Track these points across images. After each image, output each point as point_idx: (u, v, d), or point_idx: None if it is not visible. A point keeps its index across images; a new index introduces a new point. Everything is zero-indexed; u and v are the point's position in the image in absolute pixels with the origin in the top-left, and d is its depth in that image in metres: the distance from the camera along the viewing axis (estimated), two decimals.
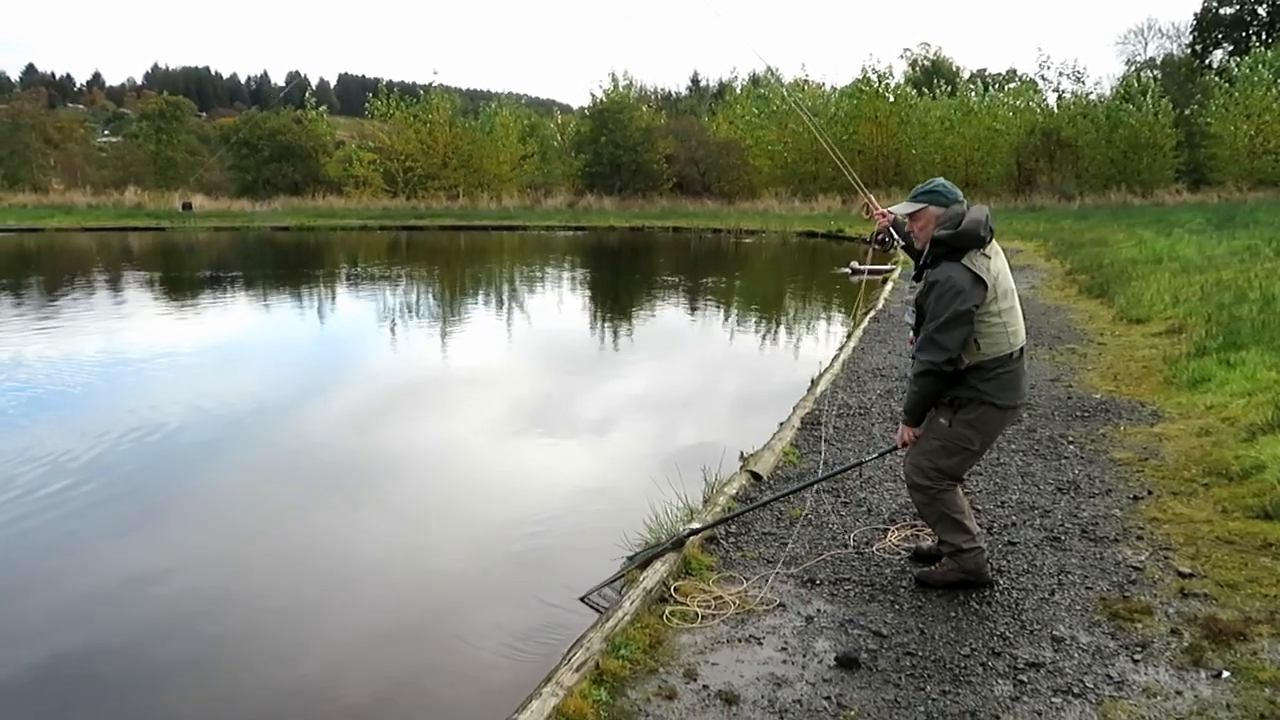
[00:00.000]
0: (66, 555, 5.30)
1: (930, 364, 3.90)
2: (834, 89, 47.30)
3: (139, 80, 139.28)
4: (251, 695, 3.95)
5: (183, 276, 20.85)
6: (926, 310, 3.95)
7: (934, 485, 4.12)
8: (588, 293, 18.87)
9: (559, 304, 16.87)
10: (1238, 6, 53.34)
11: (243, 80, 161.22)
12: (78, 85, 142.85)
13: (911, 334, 4.20)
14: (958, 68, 55.54)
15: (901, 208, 4.14)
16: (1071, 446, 6.37)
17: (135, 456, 7.04)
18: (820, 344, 12.08)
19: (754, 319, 15.45)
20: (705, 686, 3.46)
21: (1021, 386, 4.09)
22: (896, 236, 4.47)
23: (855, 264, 19.00)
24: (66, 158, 45.20)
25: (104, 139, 58.94)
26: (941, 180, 4.12)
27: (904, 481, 4.45)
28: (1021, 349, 4.03)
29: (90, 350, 11.34)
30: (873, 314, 12.49)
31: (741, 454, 6.25)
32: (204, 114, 79.54)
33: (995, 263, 3.95)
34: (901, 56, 61.77)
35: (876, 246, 4.66)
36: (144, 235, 32.00)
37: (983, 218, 3.92)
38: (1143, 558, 4.49)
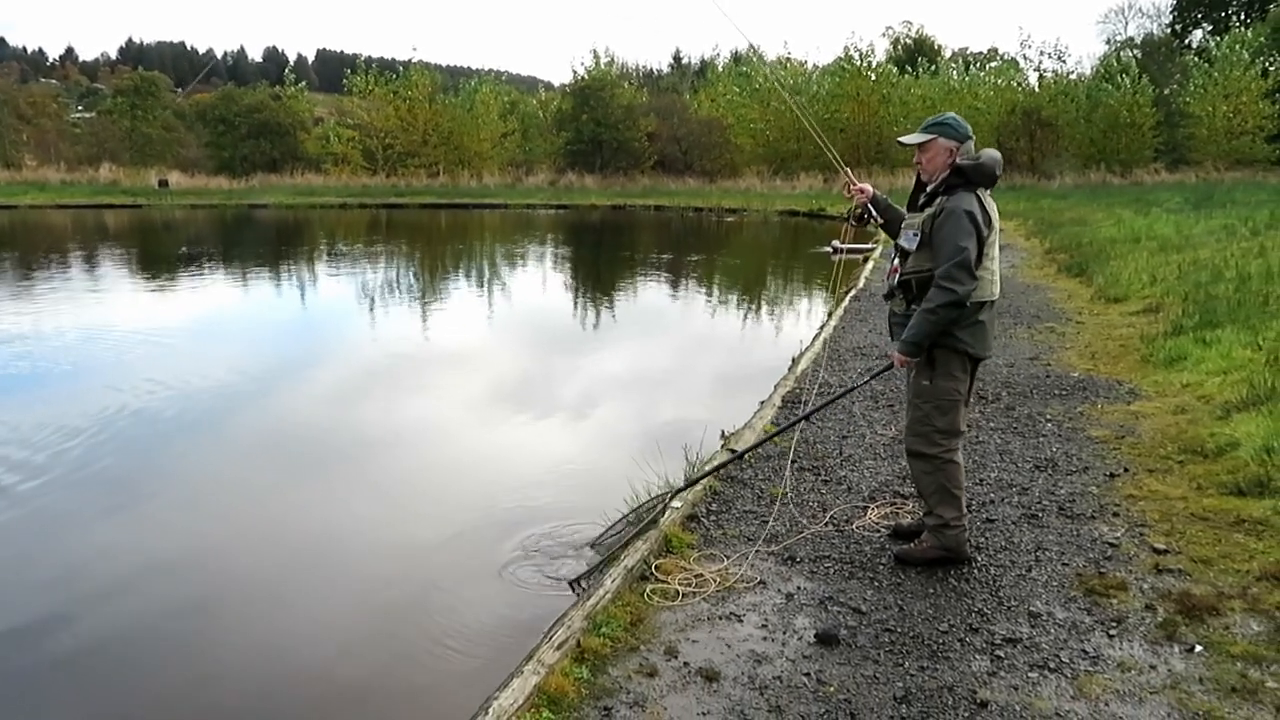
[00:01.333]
0: (44, 534, 5.26)
1: (964, 293, 3.85)
2: (816, 67, 47.27)
3: (114, 55, 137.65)
4: (231, 675, 3.94)
5: (161, 254, 20.63)
6: (939, 238, 3.92)
7: (939, 452, 4.14)
8: (570, 271, 18.81)
9: (541, 283, 16.80)
10: None
11: (219, 56, 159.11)
12: (51, 60, 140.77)
13: (896, 261, 4.18)
14: (940, 46, 55.62)
15: (912, 138, 4.10)
16: (1049, 424, 6.42)
17: (113, 435, 6.98)
18: (801, 323, 12.10)
19: (736, 298, 15.44)
20: (686, 664, 3.47)
21: (991, 338, 4.15)
22: (874, 213, 4.46)
23: (836, 243, 19.00)
24: (40, 133, 44.59)
25: (78, 115, 58.05)
26: (953, 114, 4.12)
27: (904, 455, 4.45)
28: (995, 301, 4.09)
29: (69, 329, 11.22)
30: (853, 293, 12.51)
31: (723, 432, 6.27)
32: (180, 90, 78.51)
33: (993, 206, 4.03)
34: (884, 35, 61.80)
35: (854, 223, 4.62)
36: (120, 212, 31.64)
37: (999, 157, 4.01)
38: (1118, 534, 4.54)
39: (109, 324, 11.62)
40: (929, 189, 4.08)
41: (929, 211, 4.00)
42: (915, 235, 4.05)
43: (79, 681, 3.89)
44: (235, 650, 4.14)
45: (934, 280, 3.92)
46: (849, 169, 4.85)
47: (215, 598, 4.60)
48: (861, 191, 4.49)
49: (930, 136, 4.04)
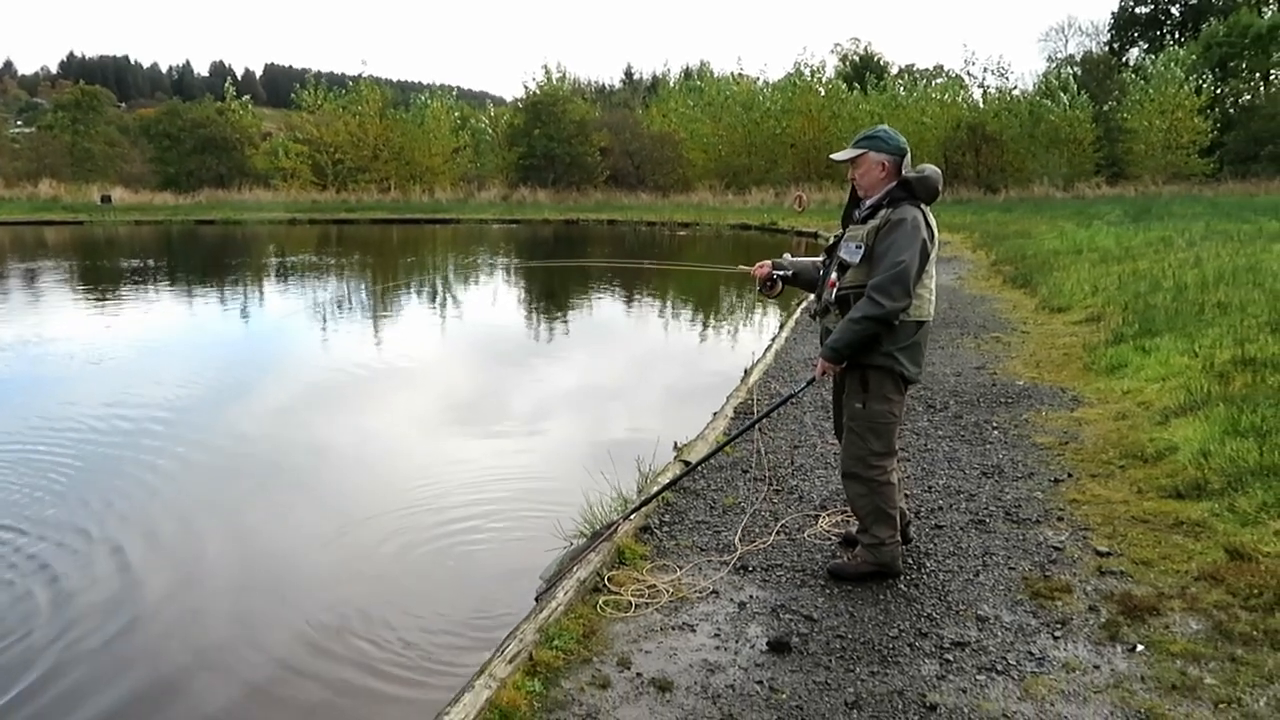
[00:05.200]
0: None
1: (892, 308, 3.79)
2: (767, 83, 47.79)
3: (54, 69, 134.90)
4: (177, 695, 3.85)
5: (102, 270, 20.19)
6: (881, 250, 3.86)
7: (875, 475, 4.09)
8: (522, 285, 18.76)
9: (493, 297, 16.74)
10: (1152, 6, 55.21)
11: (164, 70, 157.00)
12: None
13: (834, 275, 4.09)
14: (886, 63, 56.53)
15: (844, 154, 4.06)
16: (996, 432, 6.53)
17: (54, 453, 6.80)
18: (754, 335, 12.19)
19: (688, 311, 15.51)
20: (639, 674, 3.47)
21: (923, 361, 4.12)
22: (781, 275, 4.42)
23: (789, 255, 19.13)
24: None
25: (17, 129, 56.78)
26: (884, 127, 4.10)
27: (839, 472, 4.36)
28: (930, 321, 4.07)
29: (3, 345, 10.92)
30: (804, 305, 12.62)
31: (675, 444, 6.28)
32: (123, 104, 77.29)
33: (934, 223, 4.00)
34: (833, 51, 62.72)
35: (764, 294, 4.61)
36: (61, 229, 30.98)
37: (940, 174, 4.00)
38: (1063, 538, 4.62)
39: (50, 340, 11.34)
40: (869, 203, 4.04)
41: (873, 224, 3.94)
42: (859, 247, 3.96)
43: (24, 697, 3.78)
44: (180, 667, 4.04)
45: (866, 290, 3.87)
46: (799, 183, 4.90)
47: (156, 613, 4.49)
48: (760, 267, 4.49)
49: (861, 151, 3.99)
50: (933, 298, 4.04)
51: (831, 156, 4.30)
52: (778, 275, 4.45)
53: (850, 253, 4.02)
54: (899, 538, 4.24)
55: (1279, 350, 7.16)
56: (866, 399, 4.05)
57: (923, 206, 3.94)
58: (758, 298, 4.68)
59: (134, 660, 4.12)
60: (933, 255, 3.95)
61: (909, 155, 4.03)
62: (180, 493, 6.24)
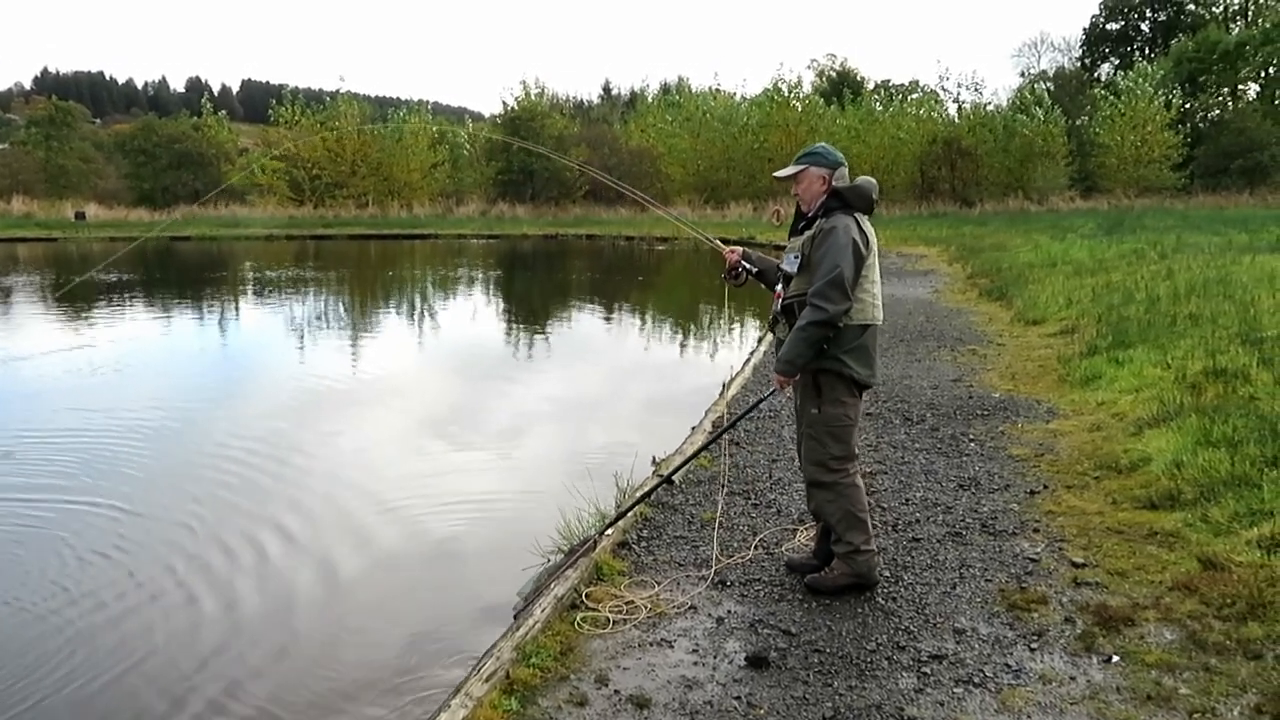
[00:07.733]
0: None
1: (835, 311, 3.89)
2: (745, 98, 48.12)
3: (28, 85, 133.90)
4: (124, 701, 3.79)
5: (74, 287, 19.97)
6: (816, 258, 3.99)
7: (838, 479, 4.14)
8: (501, 300, 18.72)
9: (472, 312, 16.70)
10: (1123, 22, 56.04)
11: (140, 85, 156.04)
12: None
13: (779, 287, 4.25)
14: (863, 78, 57.04)
15: (785, 171, 4.23)
16: (972, 444, 6.57)
17: (29, 467, 6.72)
18: (732, 348, 12.22)
19: (667, 325, 15.54)
20: (616, 691, 3.45)
21: (875, 365, 4.18)
22: (748, 267, 4.51)
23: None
24: None
25: None
26: (823, 145, 4.26)
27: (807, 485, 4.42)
28: (878, 327, 4.14)
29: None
30: None
31: (654, 459, 6.28)
32: (98, 120, 76.79)
33: (871, 231, 4.11)
34: (809, 67, 63.23)
35: (731, 282, 4.67)
36: (34, 246, 30.68)
37: (875, 184, 4.14)
38: (1039, 549, 4.65)
39: (21, 356, 11.21)
40: (809, 216, 4.17)
41: (808, 234, 4.08)
42: (796, 258, 4.12)
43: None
44: (149, 684, 3.97)
45: (807, 298, 3.98)
46: (777, 198, 4.96)
47: (126, 626, 4.43)
48: (732, 252, 4.58)
49: (802, 167, 4.16)
50: (877, 303, 4.11)
51: (775, 174, 4.43)
52: (744, 267, 4.53)
53: (790, 263, 4.18)
54: (873, 545, 4.25)
55: (1249, 361, 7.25)
56: (820, 403, 4.13)
57: (857, 215, 4.06)
58: (724, 284, 4.74)
59: (87, 671, 4.06)
60: (870, 261, 4.05)
61: (846, 168, 4.17)
62: (141, 497, 6.16)
